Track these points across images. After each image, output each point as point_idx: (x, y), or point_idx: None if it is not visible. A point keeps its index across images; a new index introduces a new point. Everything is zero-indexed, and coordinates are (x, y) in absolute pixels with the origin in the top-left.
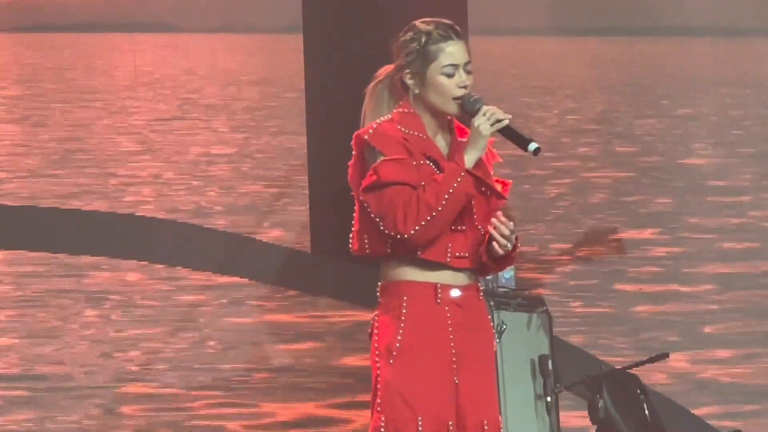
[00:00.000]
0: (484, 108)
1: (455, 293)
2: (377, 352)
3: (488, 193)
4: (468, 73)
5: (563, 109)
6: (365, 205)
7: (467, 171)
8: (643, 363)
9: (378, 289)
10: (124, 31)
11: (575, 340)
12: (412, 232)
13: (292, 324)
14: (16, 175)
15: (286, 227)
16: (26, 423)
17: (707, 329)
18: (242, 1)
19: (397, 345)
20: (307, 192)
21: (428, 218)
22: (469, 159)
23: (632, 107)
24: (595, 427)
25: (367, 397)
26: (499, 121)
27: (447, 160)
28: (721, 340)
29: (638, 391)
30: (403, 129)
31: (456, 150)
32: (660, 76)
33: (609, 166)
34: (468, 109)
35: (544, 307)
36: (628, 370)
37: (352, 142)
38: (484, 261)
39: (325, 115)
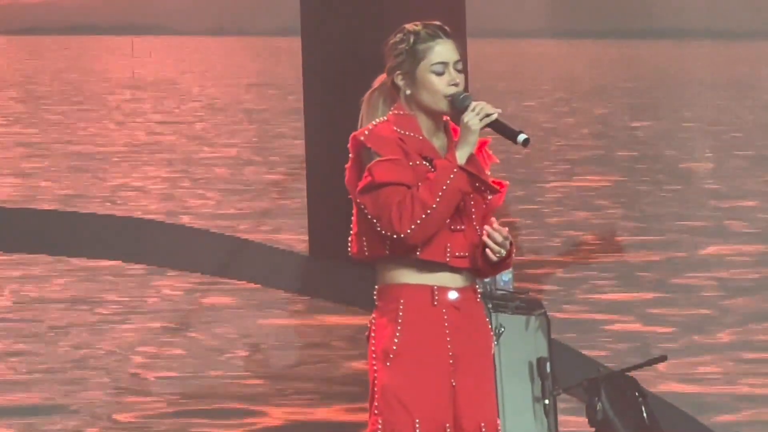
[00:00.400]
0: (473, 104)
1: (453, 295)
2: (374, 355)
3: (483, 188)
4: (458, 71)
5: (560, 111)
6: (362, 206)
7: (460, 167)
8: (641, 366)
9: (375, 292)
10: (119, 33)
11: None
12: (408, 231)
13: (292, 326)
14: (17, 176)
15: (284, 230)
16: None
17: (705, 334)
18: (235, 5)
19: (394, 348)
20: (305, 194)
21: (423, 216)
22: (461, 155)
23: (629, 109)
24: (593, 429)
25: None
26: (488, 115)
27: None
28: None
29: (636, 393)
30: (398, 130)
31: (451, 150)
32: (657, 78)
33: (606, 168)
34: (458, 106)
35: (543, 310)
36: (626, 373)
37: (349, 144)
38: (480, 265)
39: (323, 117)
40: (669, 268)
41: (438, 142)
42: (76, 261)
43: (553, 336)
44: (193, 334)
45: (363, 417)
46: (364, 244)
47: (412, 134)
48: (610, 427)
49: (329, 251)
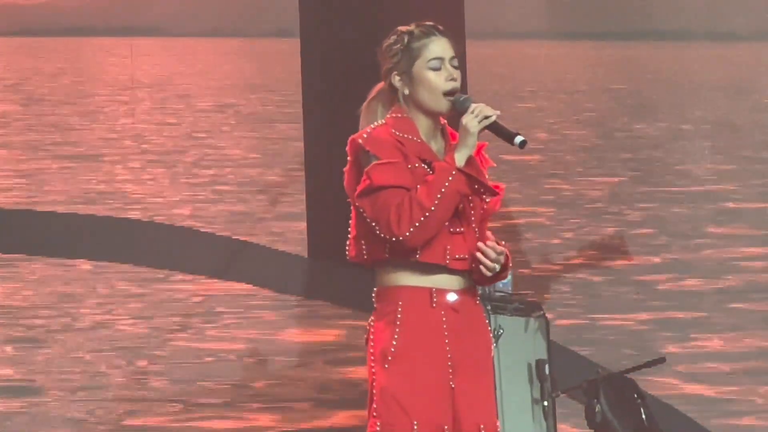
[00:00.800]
0: (473, 106)
1: (452, 297)
2: (373, 358)
3: (482, 191)
4: (455, 68)
5: (559, 113)
6: (361, 209)
7: (458, 169)
8: (640, 367)
9: (374, 294)
10: (117, 35)
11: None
12: (407, 233)
13: (291, 329)
14: (17, 177)
15: (283, 232)
16: None
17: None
18: (234, 7)
19: (392, 350)
20: (304, 196)
21: (422, 219)
22: (460, 157)
23: (628, 111)
24: (592, 431)
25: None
26: (486, 117)
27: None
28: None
29: (635, 395)
30: (397, 133)
31: (450, 152)
32: (657, 80)
33: (606, 170)
34: (458, 108)
35: (541, 312)
36: (625, 375)
37: (347, 148)
38: (474, 278)
39: (322, 119)
40: (669, 270)
41: (436, 145)
42: (75, 262)
43: (551, 338)
44: (189, 337)
45: (361, 421)
46: (363, 247)
47: (410, 137)
48: (609, 428)
49: (328, 253)
